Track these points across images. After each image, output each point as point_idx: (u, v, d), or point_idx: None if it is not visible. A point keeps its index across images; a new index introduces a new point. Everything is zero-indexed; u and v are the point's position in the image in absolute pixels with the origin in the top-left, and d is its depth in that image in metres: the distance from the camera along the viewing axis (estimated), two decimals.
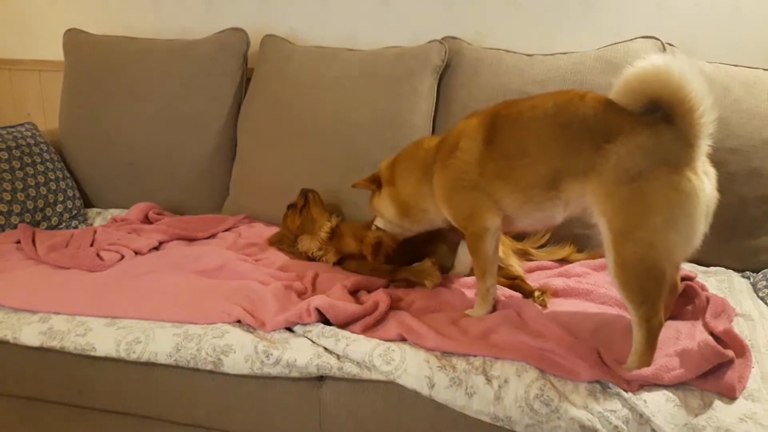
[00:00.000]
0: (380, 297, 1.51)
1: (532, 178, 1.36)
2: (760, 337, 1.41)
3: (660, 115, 1.22)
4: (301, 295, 1.58)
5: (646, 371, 1.21)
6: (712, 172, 1.27)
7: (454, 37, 2.18)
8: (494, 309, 1.50)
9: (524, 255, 1.85)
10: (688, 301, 1.50)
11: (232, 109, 2.31)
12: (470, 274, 1.70)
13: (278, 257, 1.88)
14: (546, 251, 1.89)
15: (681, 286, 1.50)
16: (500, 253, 1.62)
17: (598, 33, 2.13)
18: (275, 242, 1.97)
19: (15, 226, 2.02)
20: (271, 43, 2.32)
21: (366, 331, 1.41)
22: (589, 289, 1.59)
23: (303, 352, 1.36)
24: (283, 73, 2.23)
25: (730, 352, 1.23)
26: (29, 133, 2.23)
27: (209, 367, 1.39)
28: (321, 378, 1.38)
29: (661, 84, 1.19)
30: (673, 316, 1.45)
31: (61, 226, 2.17)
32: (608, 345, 1.31)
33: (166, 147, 2.32)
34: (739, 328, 1.43)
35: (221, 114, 2.30)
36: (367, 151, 2.04)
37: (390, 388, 1.31)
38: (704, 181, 1.22)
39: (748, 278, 1.77)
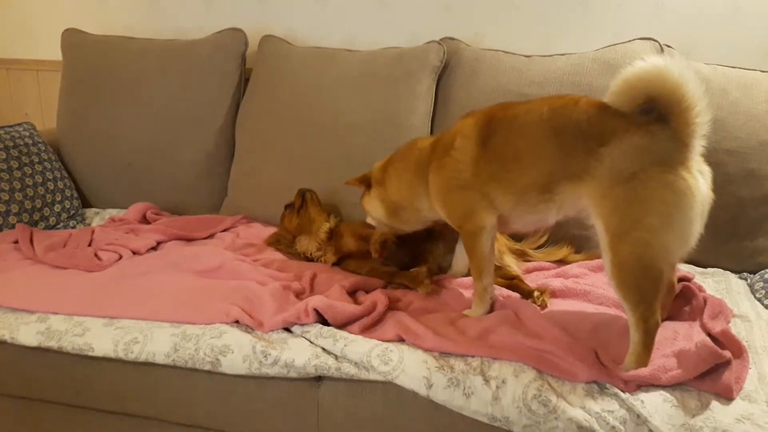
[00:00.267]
0: (378, 297, 1.51)
1: (525, 181, 1.37)
2: (757, 338, 1.41)
3: (654, 116, 1.22)
4: (299, 295, 1.58)
5: (643, 372, 1.21)
6: (707, 170, 1.27)
7: (452, 38, 2.19)
8: (492, 309, 1.51)
9: (522, 256, 1.86)
10: (685, 302, 1.50)
11: (230, 110, 2.31)
12: (468, 274, 1.70)
13: (276, 257, 1.88)
14: (544, 252, 1.89)
15: (678, 286, 1.51)
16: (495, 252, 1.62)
17: (597, 34, 2.14)
18: (272, 243, 1.97)
19: (13, 226, 2.02)
20: (269, 43, 2.32)
21: (364, 331, 1.42)
22: (587, 289, 1.59)
23: (301, 352, 1.36)
24: (281, 74, 2.23)
25: (727, 353, 1.24)
26: (27, 133, 2.23)
27: (207, 367, 1.39)
28: (319, 378, 1.38)
29: (661, 83, 1.19)
30: (671, 317, 1.45)
31: (59, 226, 2.17)
32: (606, 345, 1.31)
33: (164, 147, 2.31)
34: (737, 329, 1.43)
35: (219, 114, 2.30)
36: (365, 151, 2.04)
37: (388, 388, 1.31)
38: (699, 180, 1.23)
39: (746, 279, 1.77)
